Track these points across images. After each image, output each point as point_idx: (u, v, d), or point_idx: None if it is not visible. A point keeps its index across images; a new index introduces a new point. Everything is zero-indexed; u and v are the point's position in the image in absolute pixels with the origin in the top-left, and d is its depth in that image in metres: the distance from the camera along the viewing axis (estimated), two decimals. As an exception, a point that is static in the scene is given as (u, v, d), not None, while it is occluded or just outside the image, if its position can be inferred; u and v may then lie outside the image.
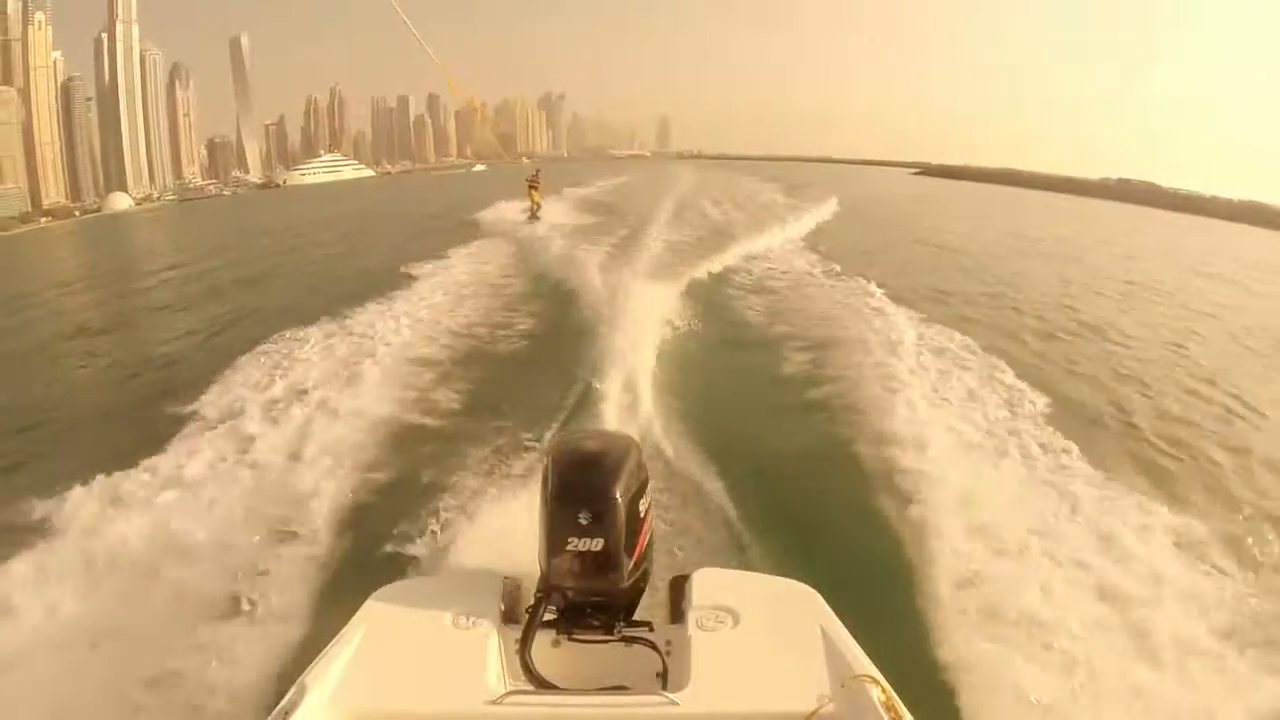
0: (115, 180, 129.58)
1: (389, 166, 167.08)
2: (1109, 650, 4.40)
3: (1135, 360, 12.02)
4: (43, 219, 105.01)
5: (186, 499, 6.20)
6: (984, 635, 4.47)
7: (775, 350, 10.80)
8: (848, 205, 34.41)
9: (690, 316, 11.97)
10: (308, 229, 36.93)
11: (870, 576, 5.13)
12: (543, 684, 2.34)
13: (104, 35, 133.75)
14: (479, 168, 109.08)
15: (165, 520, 5.77)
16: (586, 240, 20.27)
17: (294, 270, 22.83)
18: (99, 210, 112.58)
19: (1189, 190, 58.14)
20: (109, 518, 5.84)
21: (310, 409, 7.97)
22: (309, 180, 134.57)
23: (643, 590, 2.63)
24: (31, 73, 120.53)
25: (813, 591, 2.61)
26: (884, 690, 2.10)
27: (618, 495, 2.45)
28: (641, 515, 2.55)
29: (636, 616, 2.63)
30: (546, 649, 2.46)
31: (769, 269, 17.35)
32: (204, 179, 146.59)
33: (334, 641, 2.36)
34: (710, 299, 13.81)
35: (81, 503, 6.09)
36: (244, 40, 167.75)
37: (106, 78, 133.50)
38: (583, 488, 2.46)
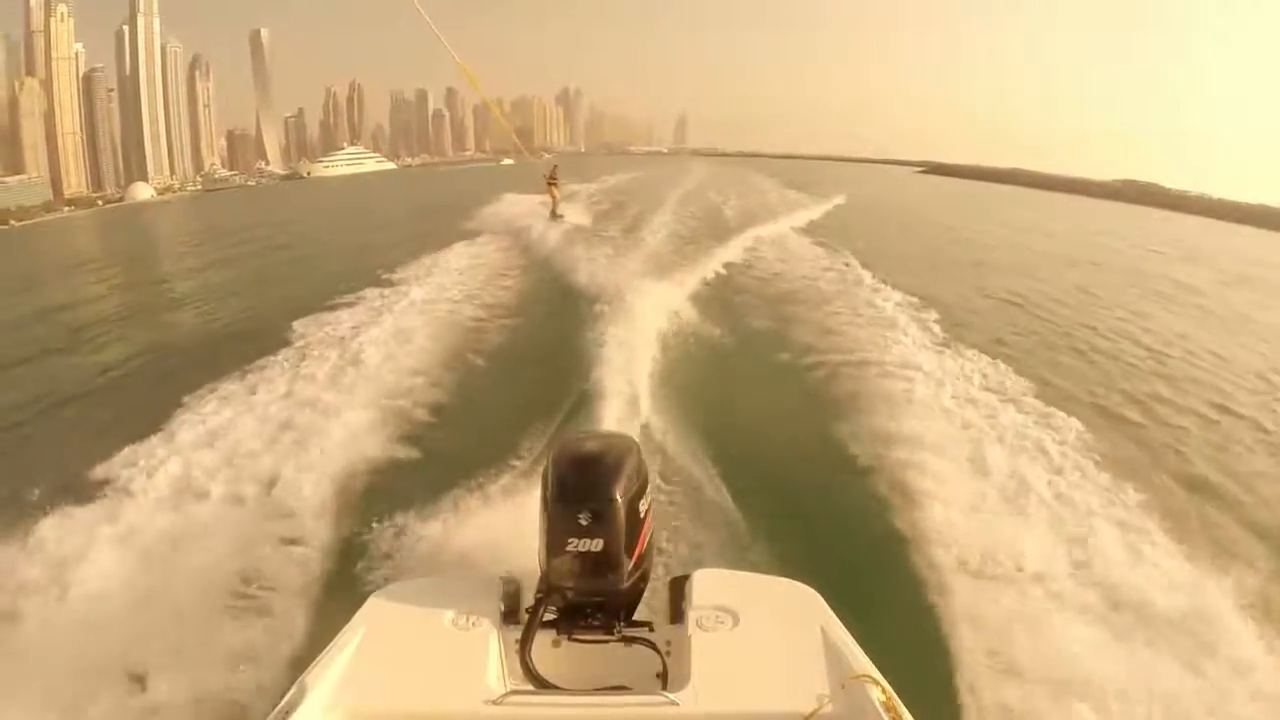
0: (136, 170, 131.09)
1: (409, 160, 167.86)
2: (1109, 649, 4.39)
3: (1142, 355, 12.06)
4: (65, 208, 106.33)
5: (186, 499, 6.20)
6: (984, 635, 4.45)
7: (776, 350, 10.74)
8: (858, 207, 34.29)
9: (691, 316, 11.90)
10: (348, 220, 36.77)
11: (870, 576, 5.11)
12: (543, 684, 2.35)
13: (125, 28, 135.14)
14: (507, 162, 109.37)
15: (164, 519, 5.80)
16: (588, 235, 20.28)
17: (313, 262, 22.91)
18: (121, 200, 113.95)
19: (1198, 192, 57.53)
20: (108, 515, 5.87)
21: (310, 409, 7.96)
22: (332, 172, 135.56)
23: (643, 590, 2.64)
24: (54, 64, 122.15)
25: (813, 591, 2.61)
26: (884, 690, 2.10)
27: (618, 496, 2.45)
28: (641, 516, 2.55)
29: (636, 616, 2.64)
30: (546, 649, 2.47)
31: (770, 268, 17.26)
32: (226, 170, 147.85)
33: (334, 641, 2.37)
34: (711, 299, 13.70)
35: (79, 498, 6.12)
36: (264, 33, 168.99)
37: (128, 70, 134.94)
38: (583, 488, 2.47)
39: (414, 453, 7.12)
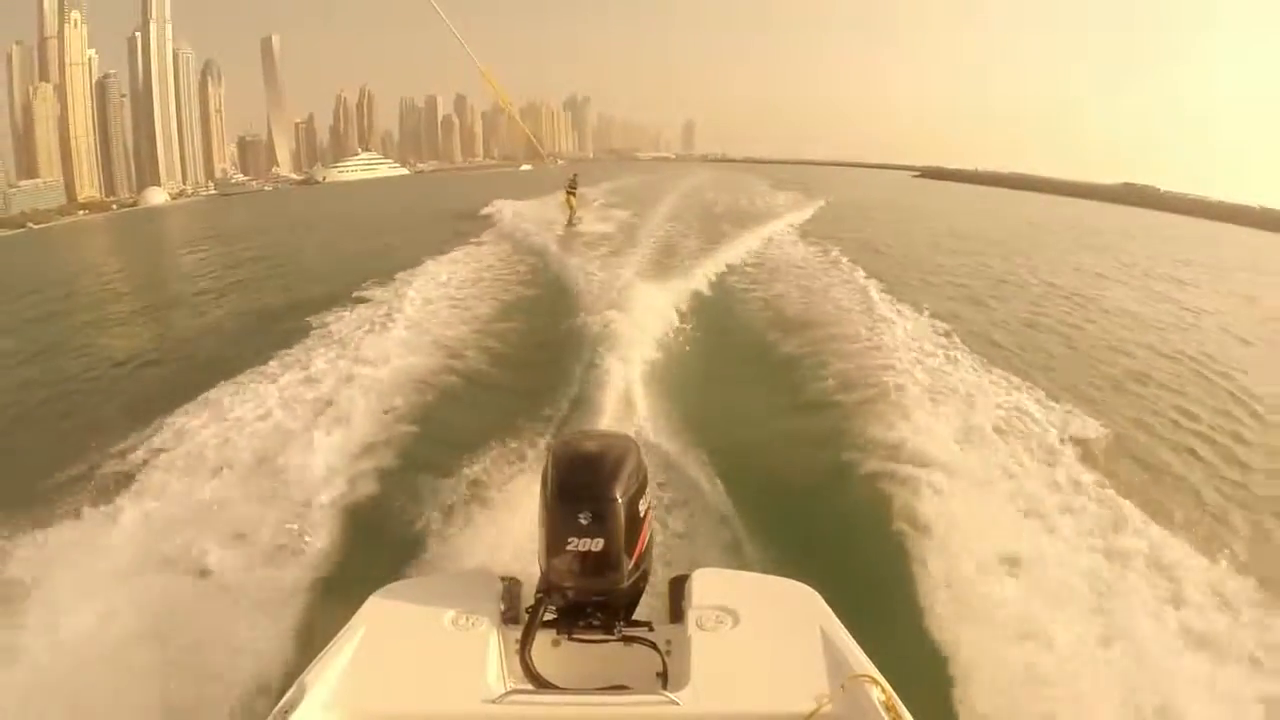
0: (148, 175, 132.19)
1: (421, 165, 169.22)
2: (1108, 648, 4.38)
3: (1133, 353, 12.17)
4: (80, 211, 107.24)
5: (186, 498, 6.22)
6: (984, 635, 4.43)
7: (776, 350, 10.74)
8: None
9: (691, 316, 11.93)
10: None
11: (870, 576, 5.09)
12: (543, 684, 2.34)
13: (138, 34, 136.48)
14: (525, 167, 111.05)
15: (164, 519, 5.81)
16: (593, 235, 20.66)
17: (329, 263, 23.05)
18: (135, 204, 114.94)
19: (1195, 195, 57.74)
20: (107, 514, 5.90)
21: (310, 408, 7.99)
22: (347, 177, 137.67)
23: (642, 590, 2.63)
24: (67, 70, 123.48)
25: (813, 592, 2.60)
26: (884, 690, 2.09)
27: (618, 495, 2.45)
28: (641, 515, 2.55)
29: (636, 616, 2.63)
30: (546, 649, 2.47)
31: (768, 267, 17.30)
32: (243, 175, 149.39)
33: (334, 641, 2.37)
34: (711, 298, 13.75)
35: (82, 495, 6.18)
36: (275, 40, 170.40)
37: (140, 75, 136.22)
38: (583, 488, 2.47)
39: (414, 452, 7.12)
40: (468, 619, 2.47)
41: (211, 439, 7.40)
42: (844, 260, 17.41)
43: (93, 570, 5.12)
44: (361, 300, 13.36)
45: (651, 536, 2.67)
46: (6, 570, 5.08)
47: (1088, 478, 6.58)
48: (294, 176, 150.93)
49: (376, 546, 5.43)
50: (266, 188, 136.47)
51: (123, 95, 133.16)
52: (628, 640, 2.51)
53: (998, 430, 7.55)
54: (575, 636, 2.51)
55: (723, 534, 5.54)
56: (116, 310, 18.68)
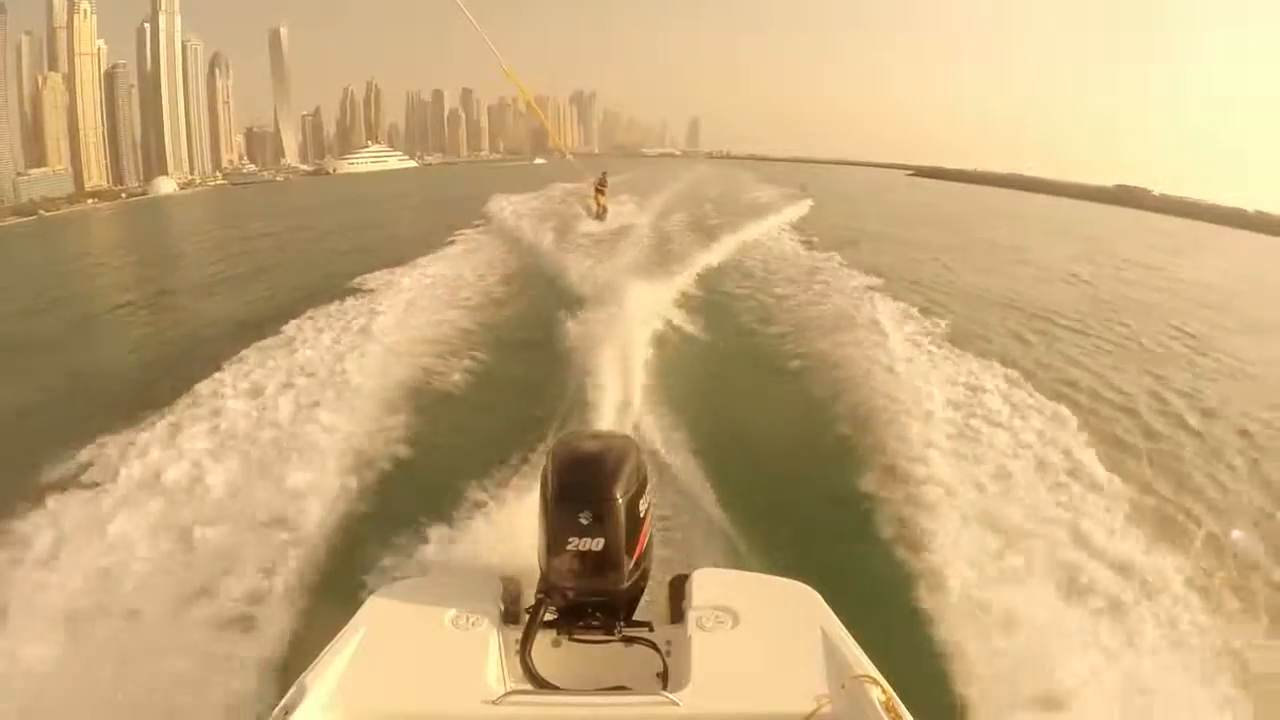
0: (156, 165, 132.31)
1: (429, 159, 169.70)
2: (1108, 649, 4.38)
3: (1129, 348, 12.26)
4: (89, 200, 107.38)
5: (186, 497, 6.24)
6: (984, 635, 4.44)
7: (776, 350, 10.75)
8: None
9: (690, 315, 11.90)
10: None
11: (870, 576, 5.13)
12: (543, 684, 2.35)
13: (147, 25, 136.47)
14: (539, 161, 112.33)
15: (164, 518, 5.84)
16: (614, 227, 20.96)
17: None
18: (144, 194, 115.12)
19: (1191, 197, 57.70)
20: (108, 513, 5.93)
21: (309, 409, 8.01)
22: (357, 169, 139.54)
23: (643, 590, 2.64)
24: (76, 60, 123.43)
25: (813, 591, 2.60)
26: (884, 690, 2.09)
27: (618, 495, 2.45)
28: (641, 515, 2.55)
29: (636, 616, 2.64)
30: (546, 649, 2.48)
31: (768, 268, 17.23)
32: (253, 166, 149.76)
33: (334, 641, 2.37)
34: (710, 298, 13.74)
35: (80, 494, 6.21)
36: (283, 32, 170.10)
37: (149, 66, 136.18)
38: (583, 488, 2.47)
39: (414, 453, 7.15)
40: (468, 619, 2.47)
41: (210, 437, 7.42)
42: (838, 258, 17.43)
43: (93, 570, 5.14)
44: (365, 294, 13.38)
45: (651, 536, 2.67)
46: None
47: (1088, 478, 6.57)
48: (305, 168, 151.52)
49: (376, 546, 5.44)
50: (278, 178, 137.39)
51: (131, 86, 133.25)
52: (628, 640, 2.52)
53: (997, 430, 7.53)
54: (575, 637, 2.52)
55: (723, 534, 5.55)
56: (117, 300, 18.77)
